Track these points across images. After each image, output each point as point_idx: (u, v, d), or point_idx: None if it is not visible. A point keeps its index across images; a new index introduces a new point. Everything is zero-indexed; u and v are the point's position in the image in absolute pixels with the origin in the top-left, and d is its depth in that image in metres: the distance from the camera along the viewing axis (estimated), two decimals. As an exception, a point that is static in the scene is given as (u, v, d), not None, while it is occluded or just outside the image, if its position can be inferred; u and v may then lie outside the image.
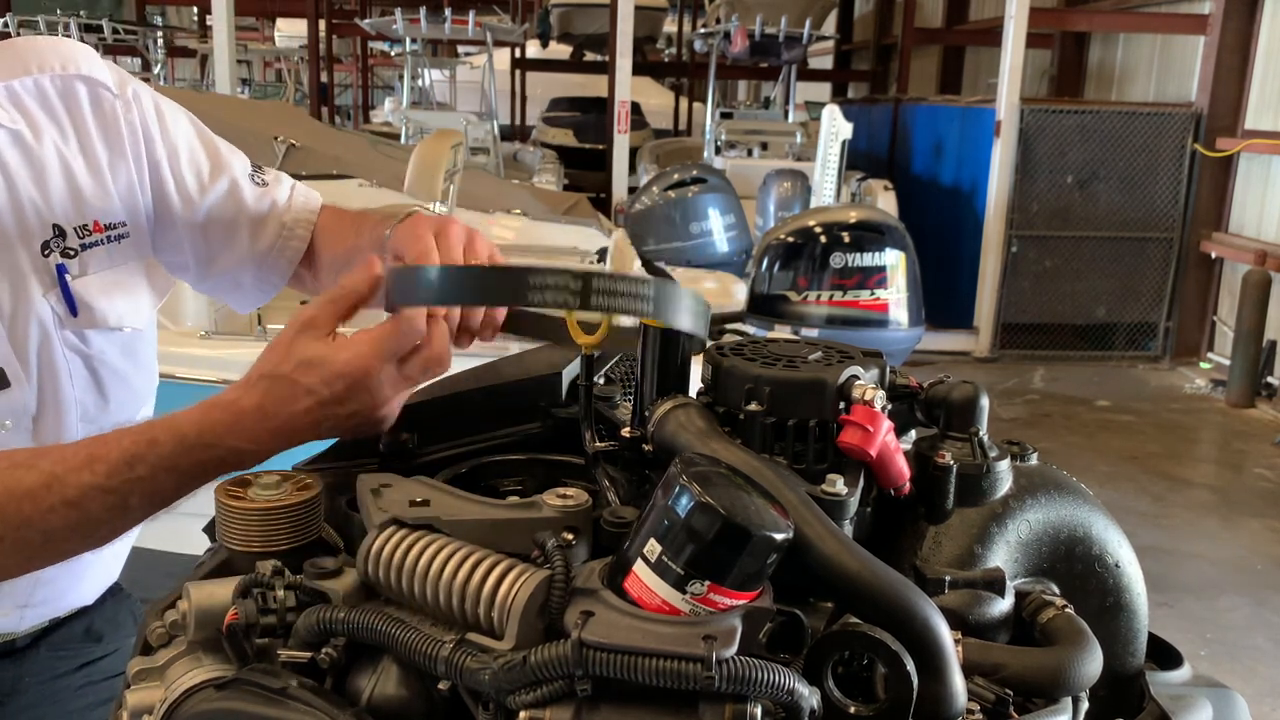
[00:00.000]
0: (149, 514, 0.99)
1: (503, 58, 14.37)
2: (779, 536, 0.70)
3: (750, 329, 5.80)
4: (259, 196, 1.37)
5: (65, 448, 0.99)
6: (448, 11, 11.56)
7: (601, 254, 5.29)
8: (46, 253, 1.20)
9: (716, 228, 8.01)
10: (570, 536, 0.79)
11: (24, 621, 1.36)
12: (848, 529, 0.83)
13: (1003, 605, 0.87)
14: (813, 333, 5.75)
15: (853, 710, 0.73)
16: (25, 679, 1.38)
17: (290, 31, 19.58)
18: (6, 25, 11.43)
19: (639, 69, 12.18)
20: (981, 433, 0.94)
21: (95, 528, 0.98)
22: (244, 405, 0.96)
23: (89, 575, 1.42)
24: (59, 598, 1.39)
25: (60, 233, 1.21)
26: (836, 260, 5.84)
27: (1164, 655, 1.03)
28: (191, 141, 1.34)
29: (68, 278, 1.21)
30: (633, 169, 10.54)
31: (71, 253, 1.21)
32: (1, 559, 0.97)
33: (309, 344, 0.96)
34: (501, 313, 1.13)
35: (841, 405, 0.89)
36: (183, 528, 1.48)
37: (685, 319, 0.89)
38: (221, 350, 3.54)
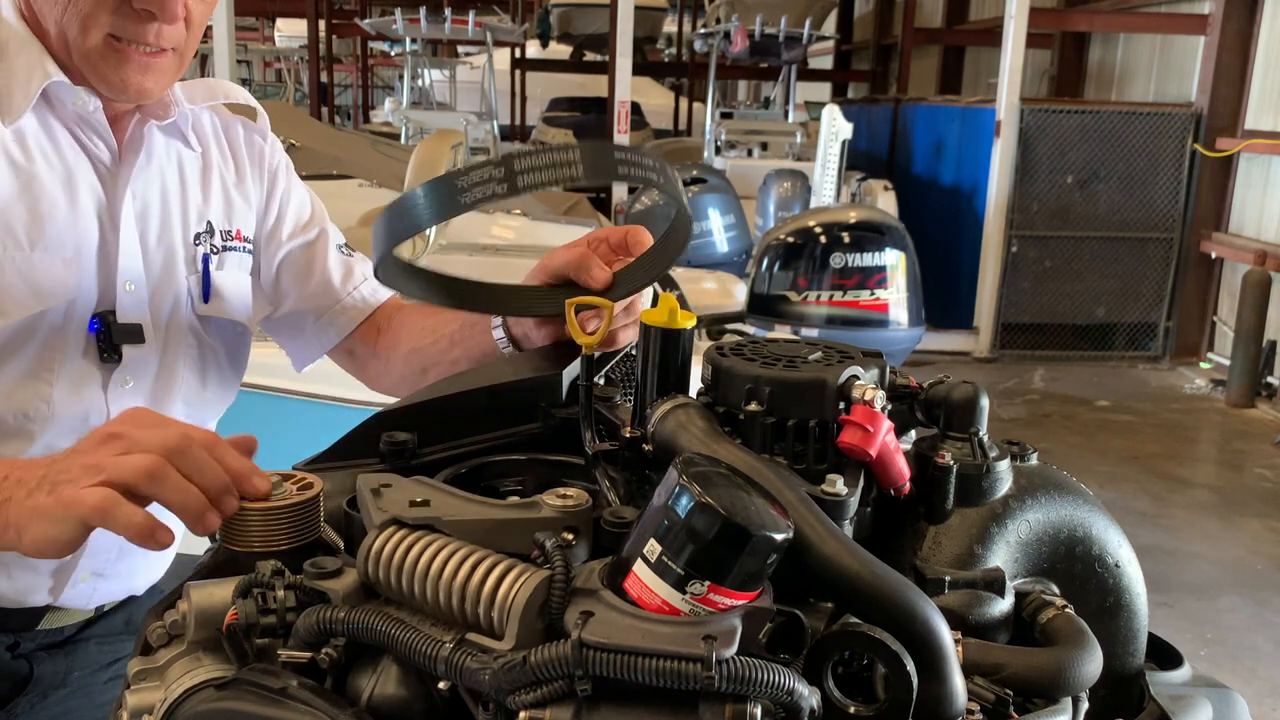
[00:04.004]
0: None
1: (503, 58, 14.38)
2: (779, 536, 0.70)
3: (750, 329, 5.82)
4: (340, 260, 1.55)
5: None
6: (448, 11, 11.57)
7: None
8: (198, 242, 1.40)
9: (716, 228, 8.01)
10: (570, 536, 0.79)
11: (94, 598, 1.43)
12: (848, 529, 0.83)
13: (1003, 605, 0.87)
14: (813, 333, 5.75)
15: (853, 710, 0.73)
16: (74, 673, 1.43)
17: (290, 31, 19.60)
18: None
19: (639, 69, 12.17)
20: (981, 433, 0.94)
21: None
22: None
23: (159, 557, 1.49)
24: (130, 575, 1.46)
25: (210, 229, 1.42)
26: (836, 260, 5.84)
27: (1164, 655, 1.03)
28: (303, 195, 1.56)
29: (211, 265, 1.41)
30: (633, 169, 10.51)
31: (216, 249, 1.42)
32: None
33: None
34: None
35: (841, 405, 0.89)
36: (183, 527, 1.49)
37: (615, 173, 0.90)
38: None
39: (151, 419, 0.91)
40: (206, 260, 1.40)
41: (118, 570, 1.42)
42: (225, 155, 1.46)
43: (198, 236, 1.40)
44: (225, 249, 1.43)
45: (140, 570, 1.48)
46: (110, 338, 1.29)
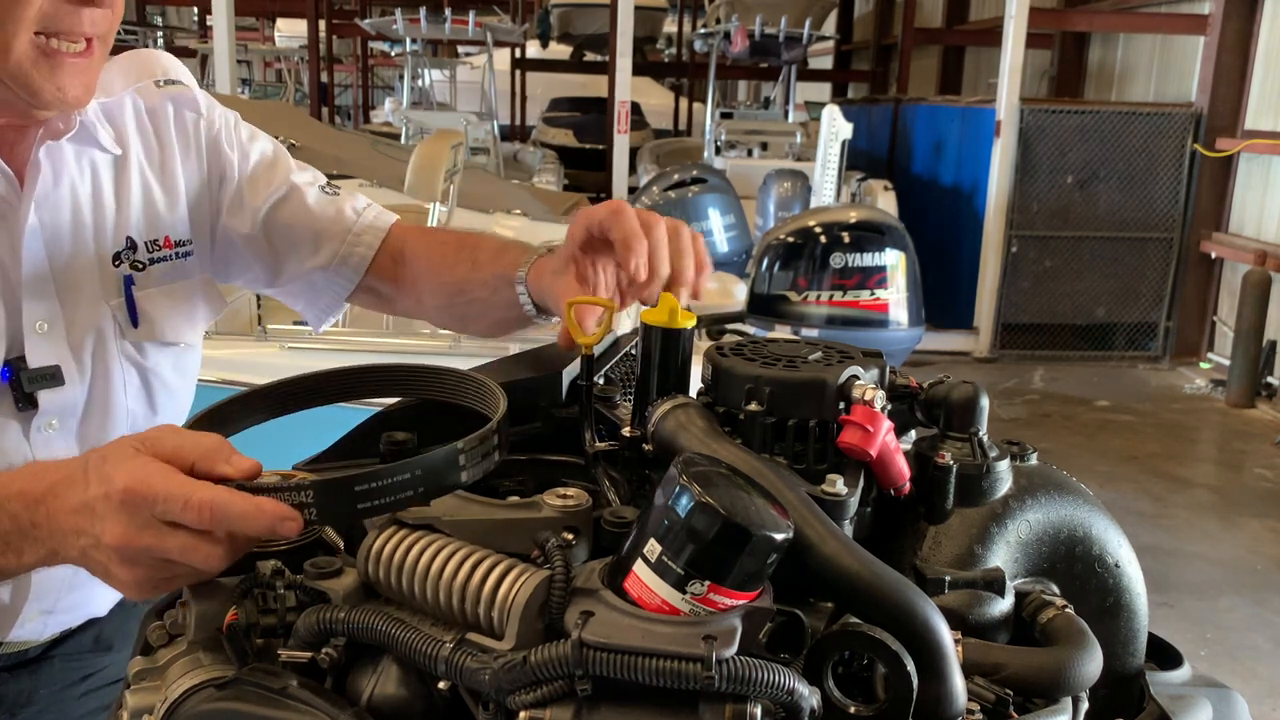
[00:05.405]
0: None
1: (503, 58, 14.37)
2: (779, 536, 0.70)
3: (750, 329, 5.82)
4: (325, 203, 1.41)
5: None
6: (448, 11, 11.57)
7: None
8: (117, 263, 1.27)
9: (716, 228, 8.01)
10: (570, 536, 0.79)
11: (46, 630, 1.35)
12: (848, 529, 0.83)
13: (1003, 605, 0.87)
14: (813, 333, 5.75)
15: (853, 710, 0.73)
16: (40, 691, 1.38)
17: (290, 31, 19.58)
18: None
19: (639, 69, 12.17)
20: (981, 433, 0.94)
21: None
22: (57, 472, 0.85)
23: None
24: (84, 604, 1.38)
25: (132, 245, 1.28)
26: (836, 260, 5.84)
27: (1164, 655, 1.03)
28: (265, 154, 1.41)
29: (134, 289, 1.27)
30: (633, 169, 10.54)
31: (140, 265, 1.29)
32: None
33: (140, 450, 0.81)
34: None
35: (841, 405, 0.89)
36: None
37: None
38: (221, 350, 3.54)
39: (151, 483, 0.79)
40: (128, 282, 1.27)
41: (67, 604, 1.34)
42: (150, 146, 1.32)
43: (117, 256, 1.27)
44: (152, 262, 1.30)
45: (95, 597, 1.39)
46: (21, 385, 1.18)
